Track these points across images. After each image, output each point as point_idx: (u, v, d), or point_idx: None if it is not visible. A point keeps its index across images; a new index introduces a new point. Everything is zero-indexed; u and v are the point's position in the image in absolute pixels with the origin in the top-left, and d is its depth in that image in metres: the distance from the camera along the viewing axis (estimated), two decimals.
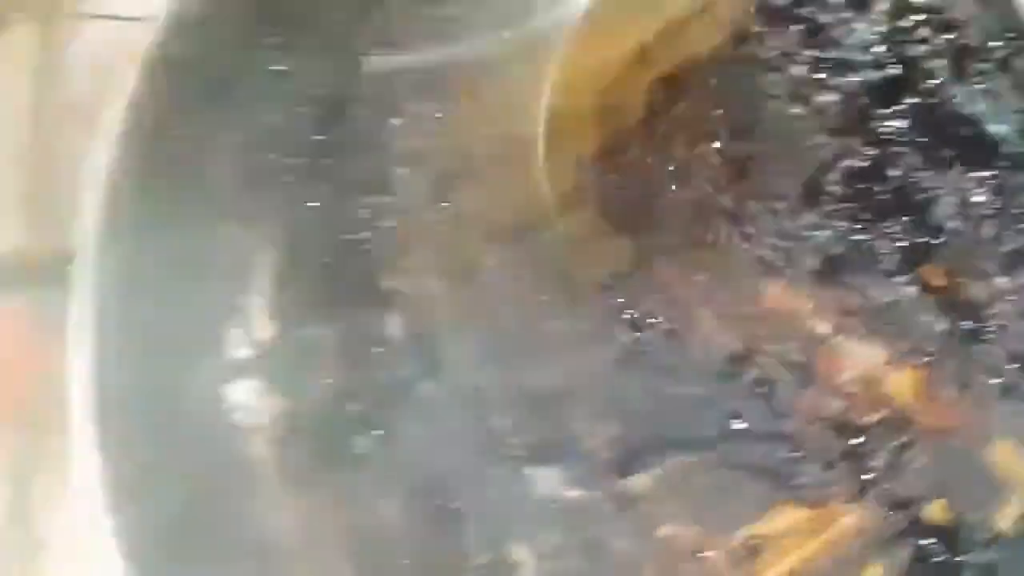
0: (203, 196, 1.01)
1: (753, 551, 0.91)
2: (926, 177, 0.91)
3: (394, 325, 1.04)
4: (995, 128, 0.86)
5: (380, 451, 1.01)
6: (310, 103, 1.03)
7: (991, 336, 0.88)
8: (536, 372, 1.01)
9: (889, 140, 0.90)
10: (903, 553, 0.87)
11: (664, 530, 0.95)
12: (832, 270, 0.92)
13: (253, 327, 1.06)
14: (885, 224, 0.91)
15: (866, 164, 0.93)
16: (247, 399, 1.03)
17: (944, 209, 0.90)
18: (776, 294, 0.94)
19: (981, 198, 0.88)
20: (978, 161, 0.87)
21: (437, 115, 1.02)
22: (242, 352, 1.05)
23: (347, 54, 1.02)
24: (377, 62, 1.01)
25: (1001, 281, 0.86)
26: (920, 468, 0.88)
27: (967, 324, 0.88)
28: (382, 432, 1.01)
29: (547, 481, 0.98)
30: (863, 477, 0.89)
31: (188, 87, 0.98)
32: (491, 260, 1.03)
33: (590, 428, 0.99)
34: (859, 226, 0.92)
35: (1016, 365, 0.86)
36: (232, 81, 1.01)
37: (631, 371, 0.97)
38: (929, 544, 0.87)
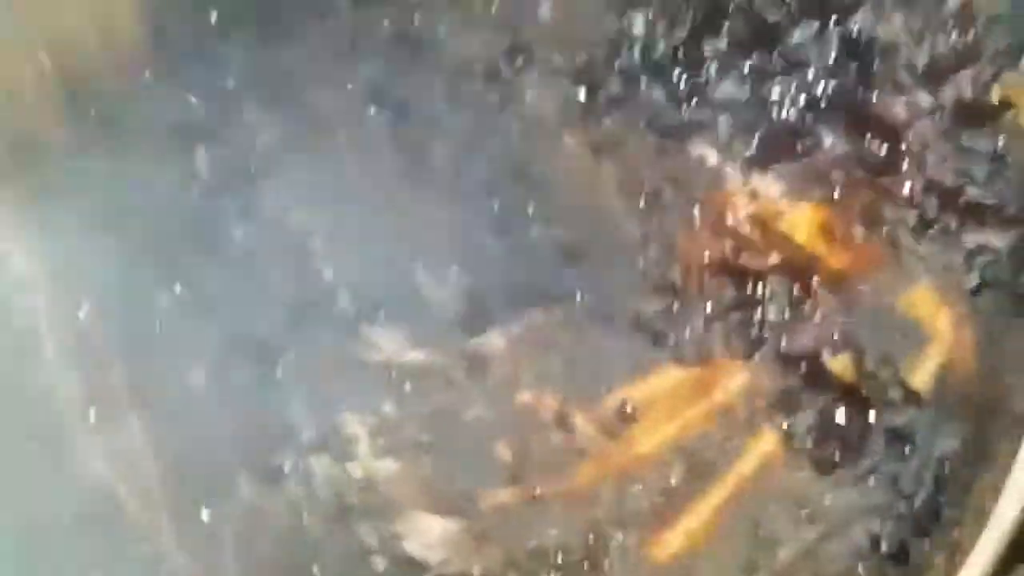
0: None
1: (627, 417, 0.78)
2: None
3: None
4: None
5: (183, 309, 0.86)
6: None
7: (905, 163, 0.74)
8: (372, 215, 0.85)
9: None
10: (801, 417, 0.75)
11: (523, 396, 0.83)
12: None
13: None
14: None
15: None
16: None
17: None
18: None
19: None
20: None
21: None
22: None
23: None
24: None
25: (922, 96, 0.73)
26: (822, 320, 0.75)
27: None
28: (186, 287, 0.86)
29: (386, 343, 0.83)
30: (754, 331, 0.76)
31: None
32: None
33: (435, 279, 0.83)
34: None
35: (933, 197, 0.73)
36: None
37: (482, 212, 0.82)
38: (832, 404, 0.75)
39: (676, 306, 0.79)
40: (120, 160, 0.86)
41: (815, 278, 0.76)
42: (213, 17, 0.85)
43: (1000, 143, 0.69)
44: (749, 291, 0.78)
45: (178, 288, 0.85)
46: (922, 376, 0.74)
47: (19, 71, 0.86)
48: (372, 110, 0.83)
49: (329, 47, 0.85)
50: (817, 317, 0.76)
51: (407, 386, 0.84)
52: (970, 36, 0.70)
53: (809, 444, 0.75)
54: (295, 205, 0.86)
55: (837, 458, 0.73)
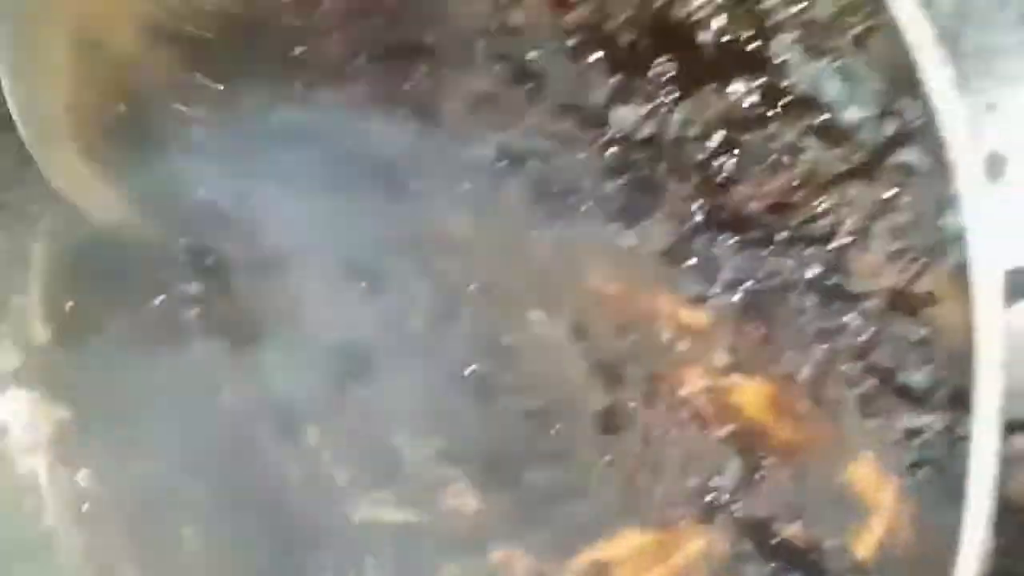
0: None
1: None
2: None
3: None
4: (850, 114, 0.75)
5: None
6: None
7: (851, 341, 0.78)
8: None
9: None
10: None
11: (496, 555, 0.86)
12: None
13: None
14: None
15: None
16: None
17: None
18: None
19: None
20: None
21: None
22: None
23: None
24: None
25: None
26: (773, 488, 0.79)
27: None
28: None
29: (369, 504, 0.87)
30: (711, 498, 0.80)
31: None
32: None
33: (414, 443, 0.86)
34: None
35: (875, 378, 0.77)
36: None
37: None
38: (784, 571, 0.78)
39: (639, 474, 0.82)
40: None
41: (765, 450, 0.79)
42: None
43: (927, 332, 0.72)
44: (704, 460, 0.81)
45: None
46: (866, 546, 0.77)
47: None
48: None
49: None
50: (769, 487, 0.79)
51: (388, 544, 0.87)
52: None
53: None
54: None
55: None
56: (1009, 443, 0.66)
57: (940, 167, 0.64)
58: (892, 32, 0.64)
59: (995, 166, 0.77)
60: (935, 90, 0.61)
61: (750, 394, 0.79)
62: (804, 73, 0.72)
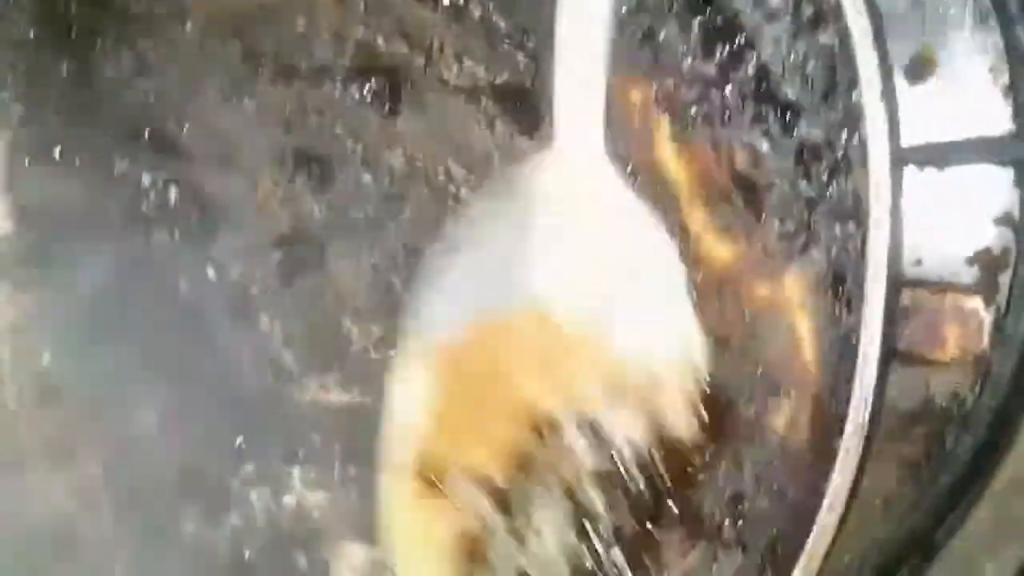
0: None
1: None
2: None
3: None
4: None
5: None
6: None
7: None
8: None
9: None
10: None
11: None
12: None
13: None
14: None
15: None
16: None
17: None
18: None
19: None
20: None
21: None
22: None
23: None
24: None
25: None
26: None
27: None
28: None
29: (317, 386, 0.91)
30: None
31: None
32: None
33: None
34: None
35: None
36: None
37: None
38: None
39: None
40: None
41: None
42: None
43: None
44: None
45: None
46: (781, 419, 0.80)
47: None
48: None
49: None
50: None
51: (334, 423, 0.91)
52: None
53: None
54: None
55: None
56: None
57: None
58: None
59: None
60: None
61: None
62: None
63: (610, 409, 0.80)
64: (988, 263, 0.75)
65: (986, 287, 0.74)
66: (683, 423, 0.79)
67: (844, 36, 0.69)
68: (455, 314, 0.87)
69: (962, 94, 0.75)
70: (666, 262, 0.79)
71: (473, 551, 0.84)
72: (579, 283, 0.82)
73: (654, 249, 0.79)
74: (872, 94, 0.66)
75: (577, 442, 0.81)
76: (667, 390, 0.79)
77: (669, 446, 0.80)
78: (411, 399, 0.86)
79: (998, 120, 0.74)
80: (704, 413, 0.79)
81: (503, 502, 0.83)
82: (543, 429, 0.82)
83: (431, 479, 0.84)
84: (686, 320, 0.79)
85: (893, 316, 0.68)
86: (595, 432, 0.81)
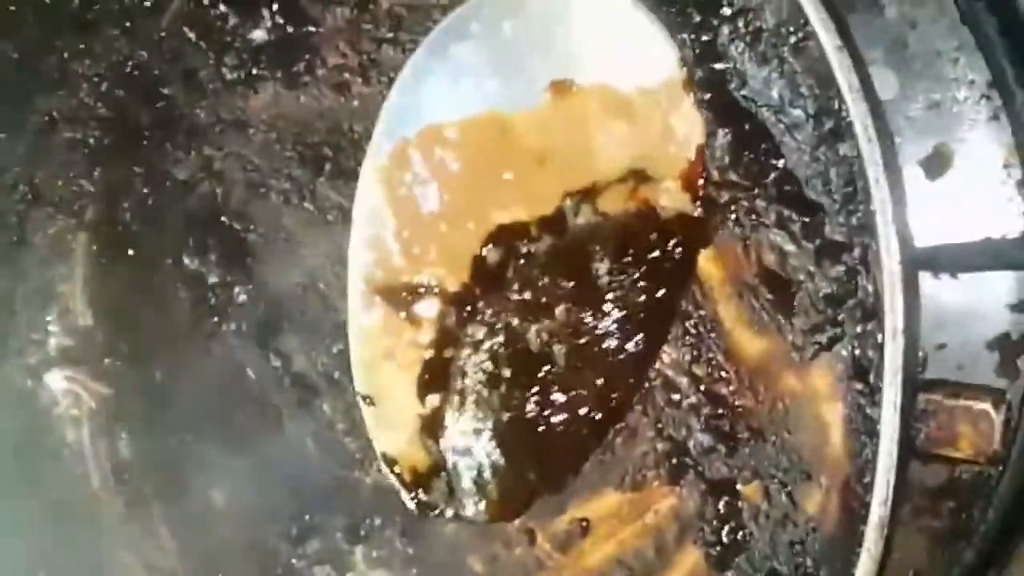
0: None
1: (576, 535, 0.91)
2: None
3: None
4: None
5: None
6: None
7: None
8: None
9: None
10: (720, 537, 0.87)
11: None
12: None
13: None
14: None
15: None
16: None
17: None
18: None
19: None
20: None
21: None
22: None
23: None
24: None
25: None
26: (735, 451, 0.88)
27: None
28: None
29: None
30: (679, 459, 0.89)
31: None
32: None
33: None
34: None
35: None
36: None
37: None
38: (741, 527, 0.87)
39: (616, 439, 0.91)
40: None
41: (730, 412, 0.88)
42: None
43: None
44: (673, 427, 0.90)
45: None
46: (811, 502, 0.85)
47: None
48: None
49: None
50: (731, 450, 0.88)
51: (394, 504, 0.97)
52: None
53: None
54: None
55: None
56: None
57: None
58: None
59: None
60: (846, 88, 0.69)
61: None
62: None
63: None
64: (1007, 348, 0.79)
65: (1006, 373, 0.79)
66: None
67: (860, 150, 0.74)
68: (456, 105, 0.87)
69: (977, 190, 0.79)
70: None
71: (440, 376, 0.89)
72: None
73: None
74: (883, 208, 0.71)
75: None
76: None
77: None
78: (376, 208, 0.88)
79: (1013, 219, 0.79)
80: None
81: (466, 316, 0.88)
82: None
83: (394, 292, 0.88)
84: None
85: (909, 419, 0.72)
86: None
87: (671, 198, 0.83)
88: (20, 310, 1.06)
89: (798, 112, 0.82)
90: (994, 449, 0.71)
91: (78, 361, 1.06)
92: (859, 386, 0.82)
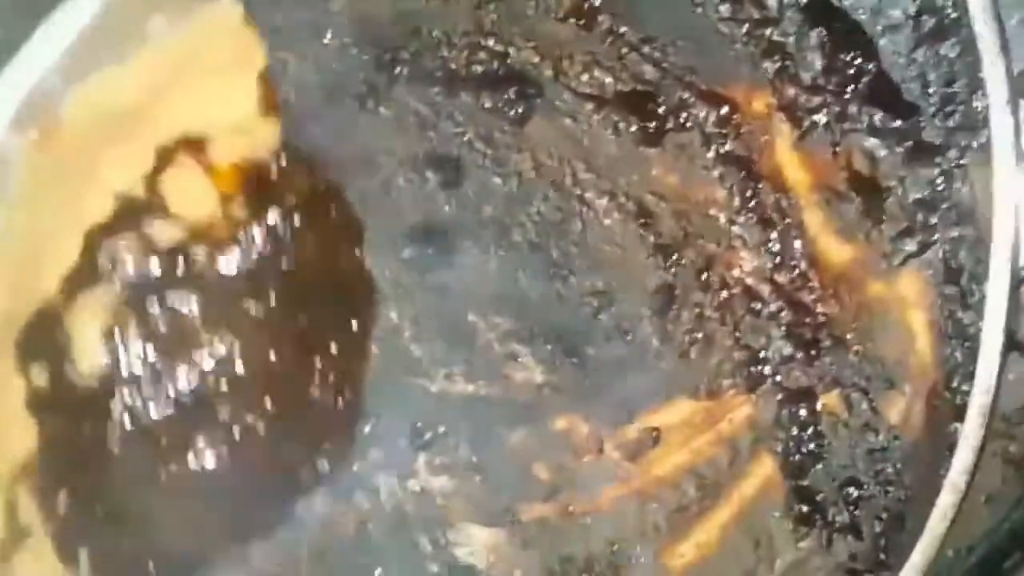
0: None
1: (647, 444, 0.90)
2: None
3: None
4: None
5: None
6: None
7: None
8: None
9: None
10: (796, 446, 0.86)
11: (559, 423, 0.94)
12: None
13: None
14: None
15: None
16: None
17: None
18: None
19: None
20: None
21: None
22: None
23: None
24: None
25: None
26: (815, 359, 0.87)
27: None
28: None
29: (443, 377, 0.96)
30: (757, 369, 0.88)
31: None
32: None
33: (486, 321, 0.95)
34: None
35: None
36: None
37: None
38: (819, 436, 0.86)
39: (692, 347, 0.90)
40: None
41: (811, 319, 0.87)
42: None
43: None
44: (752, 334, 0.89)
45: None
46: (897, 411, 0.84)
47: None
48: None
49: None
50: (812, 359, 0.87)
51: (460, 413, 0.96)
52: None
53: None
54: None
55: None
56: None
57: None
58: None
59: None
60: None
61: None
62: None
63: None
64: None
65: None
66: None
67: (967, 46, 0.74)
68: None
69: None
70: None
71: None
72: None
73: None
74: (998, 101, 0.71)
75: None
76: None
77: None
78: None
79: None
80: None
81: None
82: None
83: None
84: None
85: (1014, 309, 0.72)
86: None
87: None
88: None
89: (896, 13, 0.81)
90: None
91: None
92: (950, 290, 0.81)
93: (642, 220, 0.92)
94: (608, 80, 0.92)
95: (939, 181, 0.81)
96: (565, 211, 0.94)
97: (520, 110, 0.93)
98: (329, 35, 0.96)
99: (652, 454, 0.91)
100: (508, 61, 0.94)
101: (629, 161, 0.92)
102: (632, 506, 0.92)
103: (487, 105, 0.94)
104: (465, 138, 0.95)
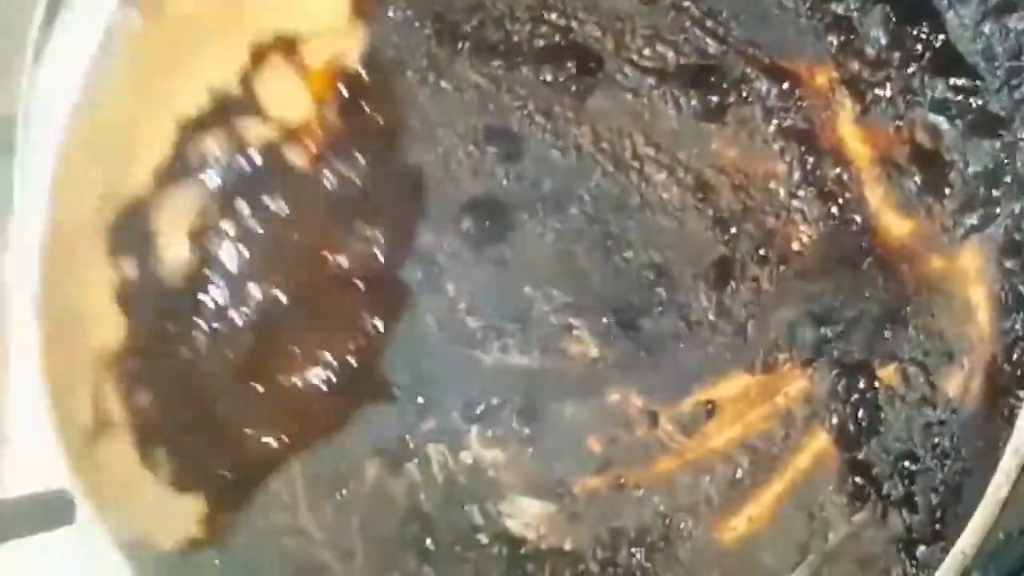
0: None
1: (702, 417, 0.90)
2: None
3: None
4: None
5: None
6: None
7: None
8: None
9: None
10: (852, 419, 0.86)
11: (612, 396, 0.94)
12: None
13: None
14: None
15: None
16: None
17: None
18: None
19: None
20: None
21: None
22: None
23: None
24: None
25: None
26: (872, 332, 0.86)
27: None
28: None
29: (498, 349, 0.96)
30: (814, 342, 0.88)
31: None
32: None
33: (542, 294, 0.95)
34: None
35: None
36: None
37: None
38: (876, 410, 0.86)
39: (748, 322, 0.90)
40: None
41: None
42: None
43: None
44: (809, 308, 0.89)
45: None
46: (953, 384, 0.84)
47: None
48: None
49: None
50: (869, 331, 0.87)
51: (512, 385, 0.96)
52: None
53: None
54: None
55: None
56: None
57: None
58: None
59: None
60: None
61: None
62: None
63: None
64: None
65: None
66: None
67: None
68: None
69: None
70: None
71: None
72: None
73: None
74: None
75: None
76: None
77: None
78: None
79: None
80: None
81: None
82: None
83: None
84: None
85: None
86: None
87: None
88: None
89: None
90: None
91: None
92: (1011, 263, 0.80)
93: (700, 194, 0.91)
94: (670, 54, 0.92)
95: (1002, 154, 0.81)
96: (623, 185, 0.93)
97: (581, 84, 0.94)
98: (392, 9, 0.97)
99: (706, 427, 0.91)
100: (570, 35, 0.94)
101: (689, 135, 0.92)
102: (685, 479, 0.91)
103: (548, 79, 0.94)
104: (525, 112, 0.95)
